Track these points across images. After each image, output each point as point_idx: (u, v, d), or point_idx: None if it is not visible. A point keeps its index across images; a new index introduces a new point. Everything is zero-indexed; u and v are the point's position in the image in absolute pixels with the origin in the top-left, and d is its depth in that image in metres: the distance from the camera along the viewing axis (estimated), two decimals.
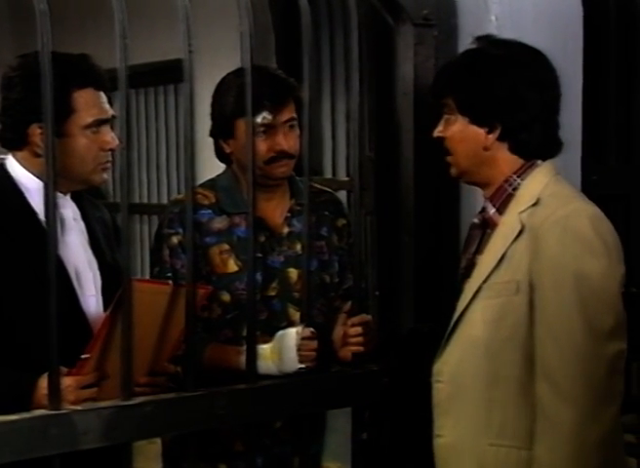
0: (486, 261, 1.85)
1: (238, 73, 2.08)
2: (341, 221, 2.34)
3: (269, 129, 2.16)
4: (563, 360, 1.72)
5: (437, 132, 1.92)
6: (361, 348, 1.98)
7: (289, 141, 2.17)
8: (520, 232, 1.80)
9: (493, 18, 2.52)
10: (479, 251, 1.90)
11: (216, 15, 4.10)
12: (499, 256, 1.82)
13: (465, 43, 2.47)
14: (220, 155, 2.27)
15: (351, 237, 2.29)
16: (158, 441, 2.31)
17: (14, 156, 1.96)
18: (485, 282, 1.83)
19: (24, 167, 1.94)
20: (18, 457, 1.50)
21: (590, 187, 2.72)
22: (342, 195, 3.63)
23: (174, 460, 2.28)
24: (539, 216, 1.79)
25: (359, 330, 1.99)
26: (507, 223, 1.84)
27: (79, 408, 1.59)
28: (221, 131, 2.22)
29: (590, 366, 1.71)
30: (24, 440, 1.50)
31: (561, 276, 1.74)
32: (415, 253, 2.54)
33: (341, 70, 3.98)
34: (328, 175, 4.01)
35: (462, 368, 1.84)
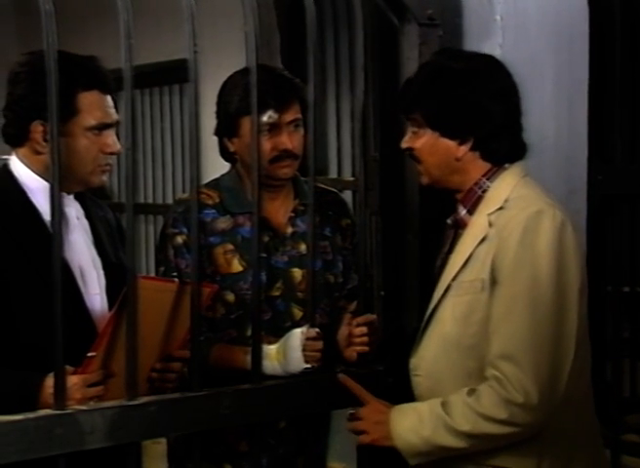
0: (455, 260, 1.90)
1: (244, 72, 2.07)
2: (346, 221, 2.34)
3: (274, 128, 2.16)
4: (508, 358, 1.75)
5: (405, 143, 1.96)
6: (366, 348, 1.98)
7: (293, 142, 2.17)
8: (487, 233, 1.85)
9: (497, 17, 2.52)
10: (451, 250, 1.94)
11: (221, 15, 4.11)
12: (466, 256, 1.87)
13: (470, 43, 2.48)
14: (225, 154, 2.27)
15: (355, 237, 2.29)
16: (163, 441, 2.31)
17: (16, 154, 1.96)
18: (454, 280, 1.88)
19: (27, 166, 1.95)
20: (23, 457, 1.51)
21: (596, 187, 2.72)
22: (348, 195, 3.64)
23: (179, 460, 2.28)
24: (504, 218, 1.84)
25: (364, 329, 1.98)
26: (476, 224, 1.89)
27: (84, 407, 1.59)
28: (226, 129, 2.22)
29: (534, 365, 1.74)
30: (30, 440, 1.51)
31: (517, 275, 1.78)
32: (419, 253, 2.54)
33: (346, 70, 3.98)
34: (333, 175, 4.02)
35: (438, 362, 1.89)
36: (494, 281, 1.81)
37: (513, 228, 1.80)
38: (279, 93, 2.13)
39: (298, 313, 2.21)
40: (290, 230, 2.25)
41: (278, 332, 2.09)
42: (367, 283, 2.06)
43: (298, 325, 2.13)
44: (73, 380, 1.69)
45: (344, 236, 2.33)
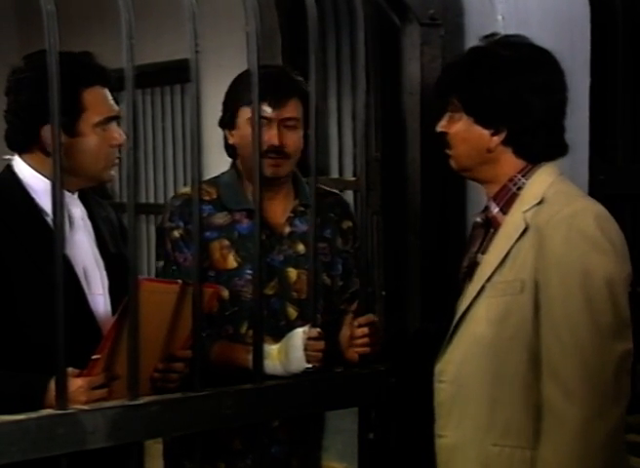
0: (490, 260, 1.84)
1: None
2: (347, 224, 2.33)
3: (266, 122, 2.12)
4: (569, 358, 1.72)
5: (440, 126, 1.91)
6: (367, 349, 1.97)
7: (285, 140, 2.15)
8: (524, 231, 1.80)
9: (499, 17, 2.52)
10: (482, 250, 1.89)
11: (222, 15, 4.11)
12: (502, 255, 1.81)
13: (472, 42, 2.47)
14: (227, 147, 2.28)
15: (357, 240, 2.29)
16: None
17: (21, 157, 1.96)
18: (488, 280, 1.82)
19: (32, 167, 1.94)
20: (25, 457, 1.51)
21: (598, 187, 2.71)
22: (349, 195, 3.64)
23: (174, 458, 2.28)
24: (543, 215, 1.79)
25: (365, 330, 1.98)
26: (511, 222, 1.83)
27: (86, 407, 1.59)
28: (227, 120, 2.22)
29: (596, 365, 1.71)
30: (32, 439, 1.51)
31: (567, 274, 1.73)
32: (421, 253, 2.54)
33: (348, 70, 3.98)
34: (334, 174, 4.01)
35: (466, 367, 1.84)
36: (536, 282, 1.76)
37: (556, 226, 1.75)
38: (277, 88, 2.12)
39: (292, 312, 2.21)
40: (287, 230, 2.25)
41: (273, 331, 2.09)
42: (368, 283, 2.06)
43: (292, 324, 2.14)
44: (78, 383, 1.69)
45: (346, 239, 2.32)
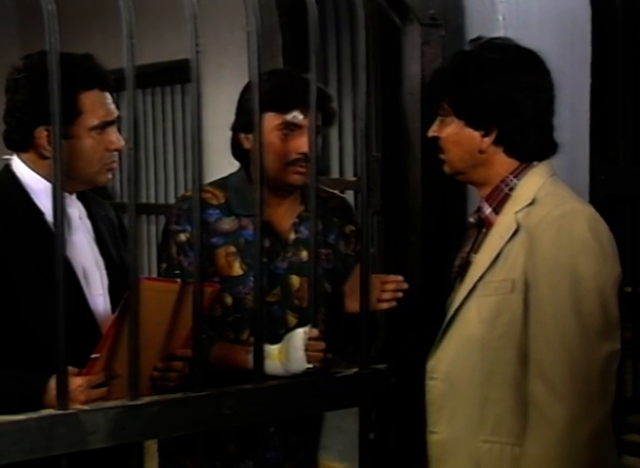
0: (481, 260, 1.86)
1: (272, 72, 2.09)
2: (350, 228, 2.31)
3: (297, 129, 2.11)
4: (556, 358, 1.74)
5: (432, 131, 1.93)
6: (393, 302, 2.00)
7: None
8: (516, 231, 1.82)
9: (500, 17, 2.52)
10: (474, 250, 1.91)
11: (223, 15, 4.11)
12: (494, 255, 1.83)
13: None
14: (237, 152, 2.22)
15: (359, 243, 2.28)
16: None
17: (19, 157, 1.96)
18: (480, 280, 1.84)
19: (30, 167, 1.94)
20: (25, 457, 1.51)
21: (598, 187, 2.71)
22: (350, 195, 3.64)
23: (170, 456, 2.27)
24: (534, 216, 1.81)
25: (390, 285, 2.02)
26: (503, 223, 1.85)
27: (86, 407, 1.59)
28: (245, 124, 2.13)
29: (583, 365, 1.73)
30: (32, 439, 1.51)
31: (556, 276, 1.75)
32: (422, 254, 2.54)
33: (348, 70, 3.98)
34: (335, 175, 4.01)
35: (457, 365, 1.86)
36: (526, 282, 1.78)
37: (546, 227, 1.76)
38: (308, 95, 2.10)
39: (292, 320, 2.19)
40: (292, 236, 2.22)
41: (272, 339, 2.07)
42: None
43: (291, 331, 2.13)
44: (77, 382, 1.69)
45: (348, 243, 2.30)
